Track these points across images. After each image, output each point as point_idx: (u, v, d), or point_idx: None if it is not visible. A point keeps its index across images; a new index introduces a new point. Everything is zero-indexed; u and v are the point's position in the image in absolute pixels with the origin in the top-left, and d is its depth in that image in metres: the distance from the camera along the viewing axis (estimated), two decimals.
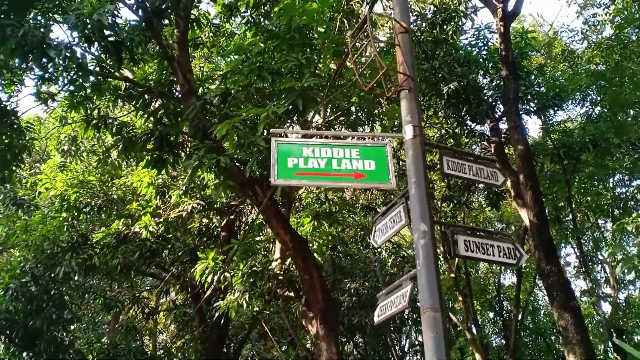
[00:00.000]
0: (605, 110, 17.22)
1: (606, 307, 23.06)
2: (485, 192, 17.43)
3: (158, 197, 12.41)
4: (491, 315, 28.83)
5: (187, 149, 9.80)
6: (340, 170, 4.10)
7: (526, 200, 12.38)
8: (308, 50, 8.02)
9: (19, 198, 13.95)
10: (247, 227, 13.60)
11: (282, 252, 10.89)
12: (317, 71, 8.45)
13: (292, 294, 10.57)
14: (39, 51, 6.66)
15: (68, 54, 6.96)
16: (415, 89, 4.26)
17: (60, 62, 8.15)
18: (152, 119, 9.40)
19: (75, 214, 12.42)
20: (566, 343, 11.60)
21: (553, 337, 28.98)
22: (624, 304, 23.45)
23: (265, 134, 7.04)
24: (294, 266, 10.89)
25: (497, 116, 14.78)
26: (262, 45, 7.82)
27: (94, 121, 10.00)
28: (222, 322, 13.35)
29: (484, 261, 4.30)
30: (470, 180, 4.44)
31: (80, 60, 7.33)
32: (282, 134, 4.16)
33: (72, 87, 9.65)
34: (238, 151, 7.38)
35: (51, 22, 8.92)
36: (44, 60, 6.96)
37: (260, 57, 7.59)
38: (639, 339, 23.21)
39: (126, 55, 8.87)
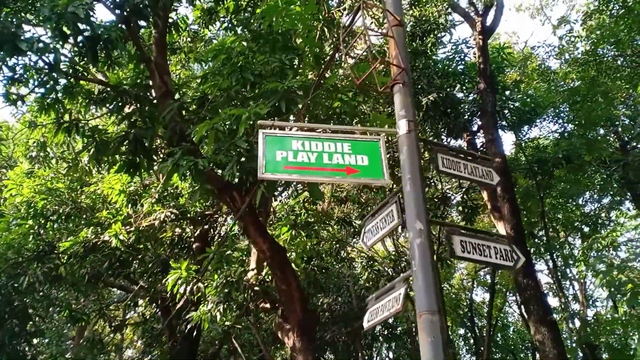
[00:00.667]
0: (577, 126, 17.45)
1: (576, 324, 23.24)
2: (460, 207, 17.45)
3: (129, 205, 12.01)
4: (462, 331, 28.84)
5: (162, 154, 9.49)
6: (332, 165, 3.90)
7: (503, 213, 12.38)
8: (291, 53, 7.85)
9: None
10: (222, 238, 13.26)
11: (258, 262, 10.57)
12: (299, 76, 8.26)
13: (267, 305, 10.25)
14: (10, 44, 6.33)
15: (40, 46, 6.63)
16: (409, 82, 4.10)
17: (32, 58, 7.83)
18: (126, 121, 9.06)
19: (42, 221, 11.88)
20: (543, 357, 11.54)
21: (522, 355, 29.12)
22: (592, 321, 23.64)
23: (246, 136, 6.81)
24: (270, 277, 10.60)
25: (473, 130, 14.84)
26: (244, 44, 7.60)
27: (65, 125, 9.60)
28: (193, 335, 12.90)
29: (481, 263, 4.13)
30: (465, 178, 4.29)
31: (53, 55, 6.99)
32: (271, 126, 3.95)
33: (42, 90, 9.30)
34: (217, 154, 7.12)
35: (23, 21, 8.58)
36: (15, 55, 6.60)
37: (242, 57, 7.37)
38: (607, 356, 23.39)
39: (102, 55, 8.56)
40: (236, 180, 7.89)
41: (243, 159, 6.98)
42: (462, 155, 4.28)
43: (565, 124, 18.02)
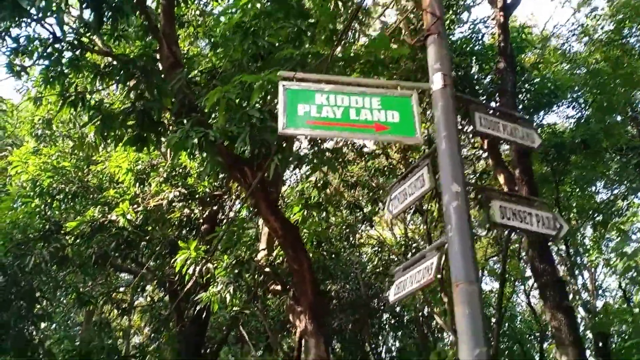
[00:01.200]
0: (596, 110, 16.97)
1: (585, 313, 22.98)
2: (474, 191, 17.07)
3: (137, 184, 11.72)
4: None
5: (170, 129, 9.15)
6: (360, 121, 3.54)
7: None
8: (306, 20, 7.47)
9: None
10: (231, 220, 12.96)
11: (268, 243, 10.27)
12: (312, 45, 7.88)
13: (278, 287, 9.95)
14: (11, 1, 5.98)
15: (43, 5, 6.28)
16: (444, 33, 3.74)
17: (36, 29, 7.52)
18: (132, 93, 8.71)
19: (48, 200, 11.61)
20: (558, 344, 11.21)
21: (528, 345, 28.85)
22: (601, 311, 23.36)
23: (259, 105, 6.47)
24: (280, 258, 10.31)
25: None
26: (258, 6, 7.20)
27: (71, 99, 9.28)
28: (202, 317, 12.64)
29: (521, 230, 3.78)
30: (504, 139, 3.93)
31: (56, 18, 6.64)
32: (292, 77, 3.59)
33: (47, 62, 9.01)
34: (228, 126, 6.77)
35: None
36: (16, 15, 6.26)
37: (255, 21, 7.00)
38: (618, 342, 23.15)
39: (108, 26, 8.24)
40: (247, 153, 7.56)
41: (256, 130, 6.63)
42: (501, 115, 3.92)
43: (584, 109, 17.55)
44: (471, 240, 3.22)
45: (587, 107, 17.40)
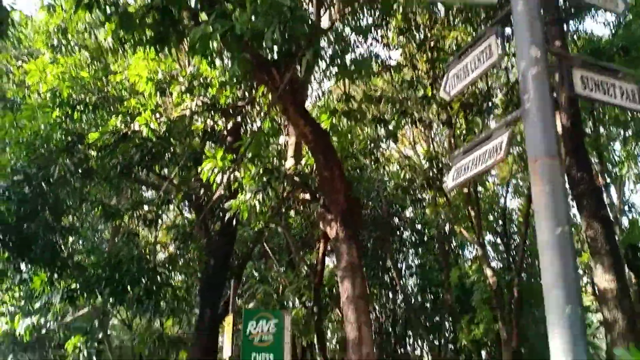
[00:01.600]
0: (635, 16, 15.85)
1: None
2: (504, 104, 16.49)
3: (158, 93, 11.31)
4: (490, 237, 28.55)
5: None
6: None
7: (560, 102, 11.39)
8: None
9: (6, 99, 12.87)
10: (257, 129, 12.60)
11: (296, 152, 9.94)
12: None
13: (307, 196, 9.70)
14: None
15: None
16: None
17: None
18: None
19: (68, 111, 11.29)
20: (594, 253, 10.98)
21: None
22: (627, 227, 23.10)
23: None
24: (308, 168, 10.02)
25: None
26: None
27: (85, 1, 8.72)
28: (231, 227, 12.60)
29: (604, 103, 3.38)
30: (587, 3, 3.43)
31: None
32: None
33: None
34: (254, 19, 6.24)
35: None
36: None
37: None
38: None
39: None
40: (276, 51, 7.07)
41: (287, 23, 6.11)
42: None
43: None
44: (552, 110, 2.81)
45: (627, 11, 16.27)
